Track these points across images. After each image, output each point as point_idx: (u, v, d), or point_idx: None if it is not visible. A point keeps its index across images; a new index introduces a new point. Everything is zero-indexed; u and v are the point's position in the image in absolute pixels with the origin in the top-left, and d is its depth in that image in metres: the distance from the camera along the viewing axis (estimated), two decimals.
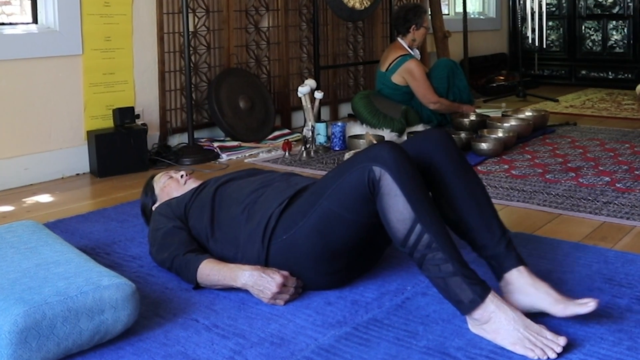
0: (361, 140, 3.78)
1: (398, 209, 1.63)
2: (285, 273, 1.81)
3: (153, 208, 2.24)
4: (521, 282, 1.68)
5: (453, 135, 3.71)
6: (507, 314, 1.57)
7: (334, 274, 1.88)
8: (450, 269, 1.58)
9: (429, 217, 1.62)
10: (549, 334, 1.55)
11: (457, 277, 1.58)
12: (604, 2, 6.73)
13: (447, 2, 6.71)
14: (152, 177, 2.36)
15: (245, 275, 1.80)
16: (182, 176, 2.30)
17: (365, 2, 4.82)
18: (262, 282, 1.78)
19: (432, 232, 1.60)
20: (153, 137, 3.86)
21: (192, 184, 2.28)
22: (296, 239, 1.81)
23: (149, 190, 2.32)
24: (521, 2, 6.55)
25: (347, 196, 1.72)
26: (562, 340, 1.54)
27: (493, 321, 1.57)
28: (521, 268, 1.70)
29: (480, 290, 1.58)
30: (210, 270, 1.86)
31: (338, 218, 1.75)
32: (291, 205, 1.87)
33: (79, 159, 3.53)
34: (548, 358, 1.51)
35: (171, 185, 2.27)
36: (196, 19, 4.10)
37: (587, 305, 1.58)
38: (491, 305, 1.57)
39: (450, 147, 1.84)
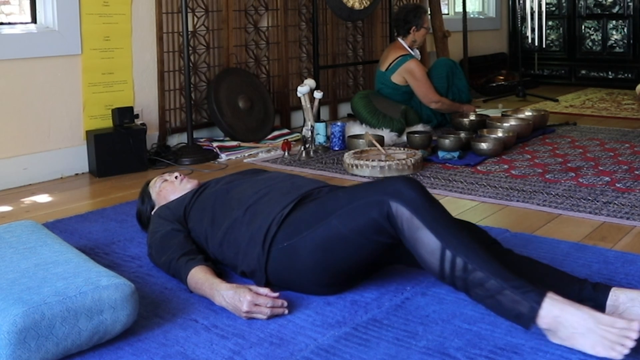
0: (360, 140, 3.78)
1: (424, 242, 1.60)
2: (263, 291, 1.77)
3: (152, 213, 2.22)
4: (628, 295, 1.60)
5: (452, 136, 3.73)
6: (574, 314, 1.46)
7: (333, 286, 1.86)
8: (494, 285, 1.51)
9: (456, 240, 1.58)
10: (620, 322, 1.43)
11: (506, 291, 1.49)
12: (604, 2, 6.72)
13: (446, 2, 6.70)
14: (147, 184, 2.35)
15: (219, 296, 1.78)
16: (176, 177, 2.30)
17: (364, 2, 4.82)
18: (232, 301, 1.75)
19: (463, 253, 1.55)
20: (152, 137, 3.85)
21: (187, 184, 2.27)
22: (298, 249, 1.78)
23: (145, 196, 2.31)
24: (521, 1, 6.55)
25: (359, 222, 1.69)
26: (635, 325, 1.41)
27: (563, 326, 1.47)
28: (614, 288, 1.63)
29: (535, 296, 1.48)
30: (195, 284, 1.85)
31: (345, 239, 1.72)
32: (295, 211, 1.85)
33: (78, 159, 3.53)
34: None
35: (167, 188, 2.27)
36: (195, 19, 4.10)
37: None
38: (553, 309, 1.46)
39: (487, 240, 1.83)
